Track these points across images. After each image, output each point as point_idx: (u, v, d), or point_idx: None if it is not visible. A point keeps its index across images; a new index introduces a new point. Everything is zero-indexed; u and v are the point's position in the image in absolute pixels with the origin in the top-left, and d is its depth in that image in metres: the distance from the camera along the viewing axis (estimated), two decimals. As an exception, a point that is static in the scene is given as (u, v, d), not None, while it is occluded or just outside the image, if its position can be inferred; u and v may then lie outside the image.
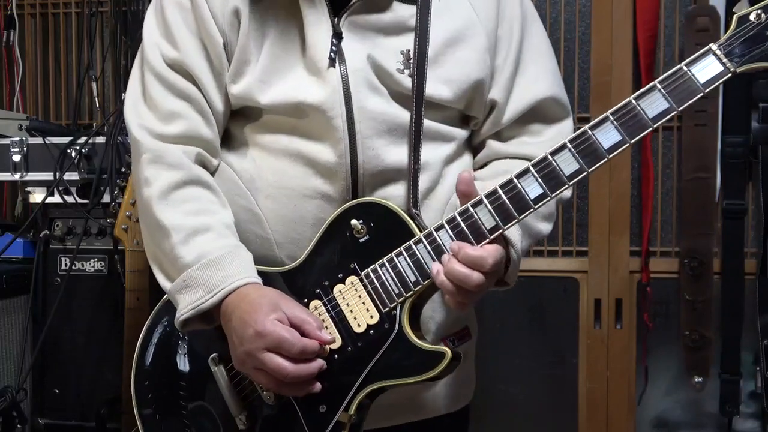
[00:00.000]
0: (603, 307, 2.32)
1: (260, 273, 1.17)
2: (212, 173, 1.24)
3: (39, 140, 2.18)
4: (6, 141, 2.20)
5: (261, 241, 1.20)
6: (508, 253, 1.12)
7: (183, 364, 1.24)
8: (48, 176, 2.16)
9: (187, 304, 1.13)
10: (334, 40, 1.14)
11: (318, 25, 1.15)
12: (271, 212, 1.18)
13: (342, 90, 1.14)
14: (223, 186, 1.23)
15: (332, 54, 1.14)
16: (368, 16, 1.17)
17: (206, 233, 1.15)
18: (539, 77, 1.25)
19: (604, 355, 2.32)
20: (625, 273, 2.31)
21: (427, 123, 1.19)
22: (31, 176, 2.19)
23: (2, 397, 2.04)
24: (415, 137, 1.16)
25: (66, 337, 2.21)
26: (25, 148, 2.18)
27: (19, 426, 2.07)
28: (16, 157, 2.18)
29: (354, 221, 1.12)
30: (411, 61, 1.16)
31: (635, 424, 2.33)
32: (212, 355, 1.19)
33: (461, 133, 1.27)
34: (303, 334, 1.06)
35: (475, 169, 1.29)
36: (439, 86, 1.19)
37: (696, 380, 2.27)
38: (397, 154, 1.17)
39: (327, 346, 1.09)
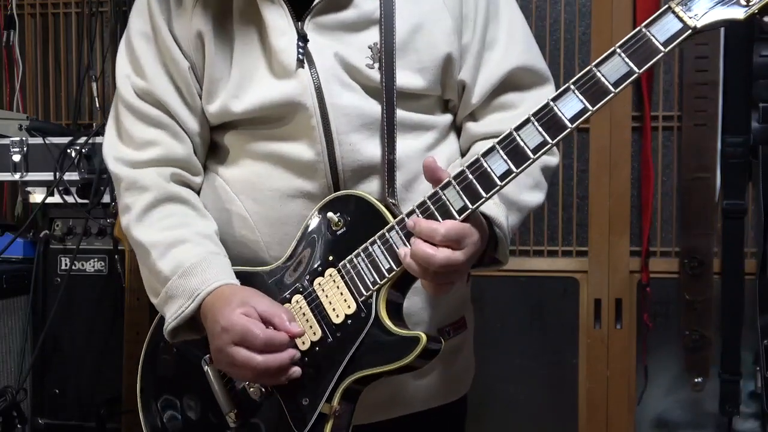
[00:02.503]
0: (603, 307, 2.32)
1: (244, 273, 1.19)
2: (197, 190, 1.27)
3: (39, 140, 2.18)
4: (6, 141, 2.20)
5: (251, 244, 1.22)
6: (493, 231, 1.12)
7: (183, 366, 1.26)
8: (48, 176, 2.16)
9: (171, 314, 1.16)
10: (299, 43, 1.15)
11: (282, 31, 1.16)
12: (257, 215, 1.20)
13: (314, 88, 1.14)
14: (213, 194, 1.25)
15: (300, 56, 1.15)
16: (331, 15, 1.17)
17: (182, 245, 1.18)
18: (508, 50, 1.24)
19: (604, 355, 2.32)
20: (625, 273, 2.31)
21: (403, 114, 1.19)
22: (31, 176, 2.19)
23: (2, 397, 2.04)
24: (388, 129, 1.16)
25: (66, 337, 2.21)
26: (25, 148, 2.18)
27: (19, 426, 2.07)
28: (16, 157, 2.18)
29: (330, 214, 1.13)
30: (379, 54, 1.16)
31: (635, 424, 2.33)
32: (205, 356, 1.20)
33: (441, 120, 1.26)
34: (273, 327, 1.08)
35: (462, 156, 1.29)
36: (410, 76, 1.18)
37: (696, 380, 2.27)
38: (375, 148, 1.17)
39: (302, 338, 1.11)
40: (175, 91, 1.23)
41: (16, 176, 2.19)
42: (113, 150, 1.26)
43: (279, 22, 1.16)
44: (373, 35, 1.17)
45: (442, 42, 1.19)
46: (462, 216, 1.04)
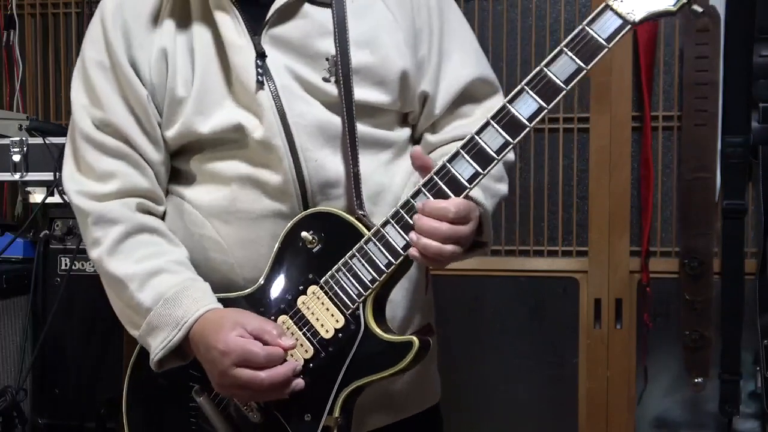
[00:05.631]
0: (603, 307, 2.32)
1: (224, 300, 1.18)
2: (162, 219, 1.26)
3: (39, 140, 2.18)
4: (6, 141, 2.20)
5: (224, 266, 1.21)
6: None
7: (169, 402, 1.24)
8: (48, 176, 2.16)
9: (157, 345, 1.15)
10: (258, 61, 1.15)
11: (240, 48, 1.15)
12: (230, 237, 1.19)
13: (275, 109, 1.14)
14: (181, 219, 1.24)
15: (259, 77, 1.14)
16: (285, 26, 1.17)
17: (160, 275, 1.17)
18: (464, 61, 1.27)
19: (604, 355, 2.32)
20: (625, 273, 2.31)
21: (363, 129, 1.19)
22: (31, 176, 2.19)
23: (2, 397, 2.04)
24: (350, 141, 1.17)
25: (66, 337, 2.21)
26: (25, 148, 2.18)
27: (19, 426, 2.07)
28: (16, 157, 2.18)
29: (304, 233, 1.14)
30: (336, 66, 1.16)
31: (635, 424, 2.33)
32: (195, 388, 1.19)
33: (400, 136, 1.27)
34: (265, 343, 1.09)
35: None
36: (369, 91, 1.19)
37: (696, 380, 2.27)
38: (338, 163, 1.18)
39: (294, 357, 1.11)
40: (134, 121, 1.20)
41: (16, 176, 2.19)
42: (74, 183, 1.24)
43: (237, 38, 1.16)
44: (328, 46, 1.17)
45: (395, 56, 1.20)
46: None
